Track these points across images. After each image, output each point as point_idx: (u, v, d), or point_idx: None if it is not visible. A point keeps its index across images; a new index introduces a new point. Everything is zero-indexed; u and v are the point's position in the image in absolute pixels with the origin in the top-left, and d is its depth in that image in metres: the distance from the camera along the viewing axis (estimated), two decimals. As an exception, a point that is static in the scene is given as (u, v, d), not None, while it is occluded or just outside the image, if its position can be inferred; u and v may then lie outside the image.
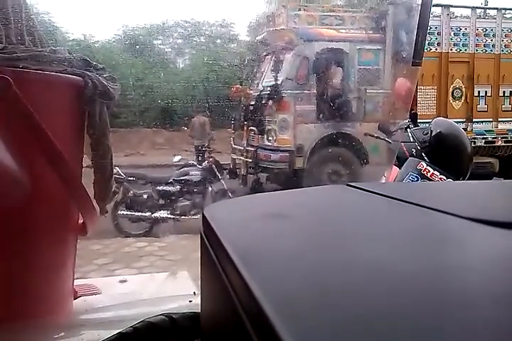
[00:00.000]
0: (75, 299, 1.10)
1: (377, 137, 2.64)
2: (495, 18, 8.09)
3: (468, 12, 8.02)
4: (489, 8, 9.90)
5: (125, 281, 1.35)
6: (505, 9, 8.58)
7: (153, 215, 5.64)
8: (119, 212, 5.44)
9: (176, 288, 1.27)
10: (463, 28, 7.75)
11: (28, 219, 0.91)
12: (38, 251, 0.94)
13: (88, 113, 0.99)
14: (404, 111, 1.95)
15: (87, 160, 1.07)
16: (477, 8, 8.49)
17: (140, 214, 5.59)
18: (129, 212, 5.54)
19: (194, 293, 1.09)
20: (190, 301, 1.04)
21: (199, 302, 0.53)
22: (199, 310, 0.55)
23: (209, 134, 7.03)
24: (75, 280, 1.13)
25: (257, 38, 7.87)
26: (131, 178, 5.63)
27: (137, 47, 6.51)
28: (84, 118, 1.00)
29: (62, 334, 0.95)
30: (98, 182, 1.07)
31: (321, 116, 6.80)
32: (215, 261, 0.39)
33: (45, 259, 0.95)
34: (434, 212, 0.44)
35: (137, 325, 0.64)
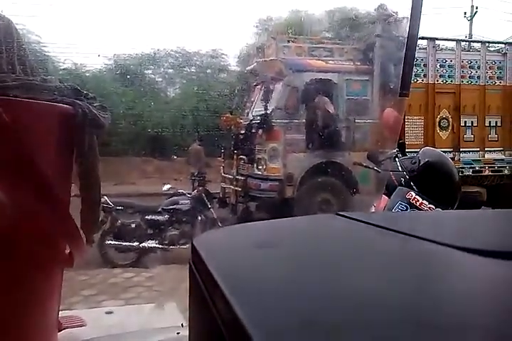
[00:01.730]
0: (59, 331, 1.08)
1: (366, 166, 2.66)
2: (479, 51, 8.31)
3: (453, 44, 8.25)
4: (473, 41, 10.19)
5: (111, 313, 1.32)
6: (489, 42, 8.85)
7: (141, 245, 5.57)
8: (107, 242, 5.36)
9: (163, 320, 1.24)
10: (448, 60, 7.95)
11: (12, 249, 0.90)
12: (22, 282, 0.92)
13: (77, 142, 0.99)
14: (393, 140, 1.97)
15: (74, 189, 1.06)
16: (462, 40, 8.74)
17: (128, 243, 5.51)
18: (116, 242, 5.46)
19: (182, 324, 1.07)
20: (177, 333, 1.02)
21: (187, 334, 0.52)
22: (187, 343, 0.54)
23: (201, 163, 7.05)
24: (60, 312, 1.10)
25: (247, 69, 7.99)
26: (120, 207, 5.58)
27: (128, 76, 6.57)
28: (73, 147, 1.00)
29: (45, 368, 0.93)
30: (85, 212, 1.06)
31: (310, 145, 6.85)
32: (204, 292, 0.39)
33: (29, 290, 0.93)
34: (423, 242, 0.44)
35: (123, 359, 0.62)
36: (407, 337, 0.26)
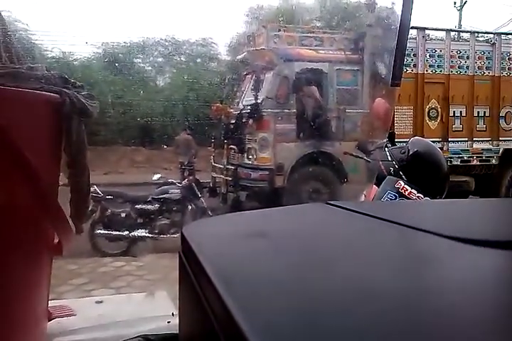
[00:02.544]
0: (49, 321, 1.07)
1: (356, 156, 2.67)
2: (468, 41, 8.33)
3: (442, 35, 8.25)
4: (463, 31, 10.21)
5: (101, 302, 1.32)
6: (478, 32, 8.85)
7: (131, 234, 5.56)
8: (97, 231, 5.35)
9: (153, 309, 1.24)
10: (438, 50, 7.96)
11: (0, 237, 0.89)
12: (10, 271, 0.91)
13: (65, 130, 0.98)
14: (383, 130, 1.98)
15: (63, 179, 1.05)
16: (451, 30, 8.73)
17: (118, 233, 5.50)
18: (106, 231, 5.45)
19: (172, 313, 1.07)
20: (168, 322, 1.02)
21: (177, 323, 0.52)
22: (177, 331, 0.54)
23: (192, 152, 7.02)
24: (50, 302, 1.10)
25: (237, 58, 7.94)
26: (109, 197, 5.56)
27: (117, 65, 6.50)
28: (62, 136, 0.98)
29: (35, 358, 0.92)
30: (74, 201, 1.05)
31: (300, 135, 6.85)
32: (194, 281, 0.39)
33: (18, 280, 0.93)
34: (411, 230, 0.44)
35: (113, 348, 0.62)
36: (403, 326, 0.26)
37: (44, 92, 0.95)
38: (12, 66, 0.99)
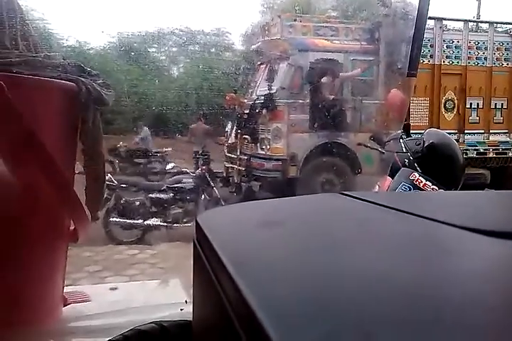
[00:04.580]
0: (64, 306, 1.09)
1: (370, 147, 2.65)
2: (487, 32, 8.20)
3: (460, 25, 8.12)
4: (481, 22, 10.02)
5: (116, 289, 1.34)
6: (497, 23, 8.69)
7: (145, 222, 5.61)
8: (111, 219, 5.40)
9: (167, 296, 1.26)
10: (455, 41, 7.84)
11: (18, 225, 0.90)
12: (28, 257, 0.93)
13: (81, 119, 0.99)
14: (398, 121, 1.96)
15: (79, 167, 1.06)
16: (469, 21, 8.58)
17: (132, 221, 5.56)
18: (120, 219, 5.50)
19: (186, 301, 1.08)
20: (181, 309, 1.03)
21: (190, 310, 0.52)
22: (190, 319, 0.55)
23: (205, 142, 7.03)
24: (65, 288, 1.11)
25: (251, 48, 7.90)
26: (124, 185, 5.61)
27: (132, 54, 6.51)
28: (78, 124, 0.99)
29: (51, 341, 0.94)
30: (90, 189, 1.06)
31: (314, 125, 6.82)
32: (208, 269, 0.39)
33: (35, 266, 0.94)
34: (426, 221, 0.44)
35: (127, 333, 0.63)
36: (418, 317, 0.26)
37: (60, 80, 0.96)
38: (29, 54, 0.99)
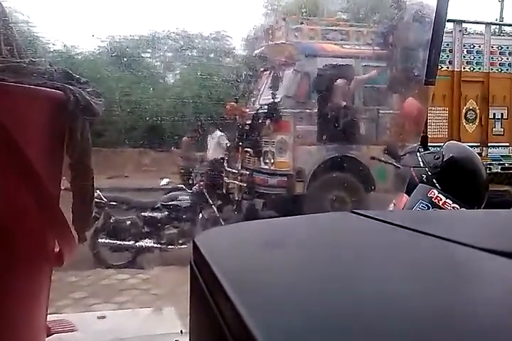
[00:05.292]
0: (47, 336, 1.09)
1: (384, 161, 2.66)
2: (511, 35, 8.26)
3: (482, 28, 8.18)
4: (505, 25, 10.11)
5: (104, 317, 1.33)
6: (522, 26, 8.77)
7: (136, 244, 5.59)
8: (99, 240, 5.39)
9: (160, 326, 1.25)
10: (476, 46, 7.89)
11: (-2, 246, 0.90)
12: (8, 282, 0.92)
13: (69, 130, 0.99)
14: (415, 133, 1.96)
15: (65, 183, 1.06)
16: (492, 24, 8.66)
17: (122, 242, 5.54)
18: (110, 240, 5.49)
19: (181, 331, 1.08)
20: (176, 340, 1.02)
21: (186, 341, 0.52)
22: (186, 350, 0.54)
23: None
24: (49, 316, 1.11)
25: (254, 53, 7.96)
26: (114, 203, 5.60)
27: (124, 60, 6.57)
28: (65, 136, 1.00)
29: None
30: (77, 207, 1.06)
31: (323, 137, 6.82)
32: (206, 294, 0.39)
33: (15, 292, 0.94)
34: (445, 242, 0.44)
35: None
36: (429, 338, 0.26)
37: (46, 88, 0.96)
38: (13, 60, 1.01)
